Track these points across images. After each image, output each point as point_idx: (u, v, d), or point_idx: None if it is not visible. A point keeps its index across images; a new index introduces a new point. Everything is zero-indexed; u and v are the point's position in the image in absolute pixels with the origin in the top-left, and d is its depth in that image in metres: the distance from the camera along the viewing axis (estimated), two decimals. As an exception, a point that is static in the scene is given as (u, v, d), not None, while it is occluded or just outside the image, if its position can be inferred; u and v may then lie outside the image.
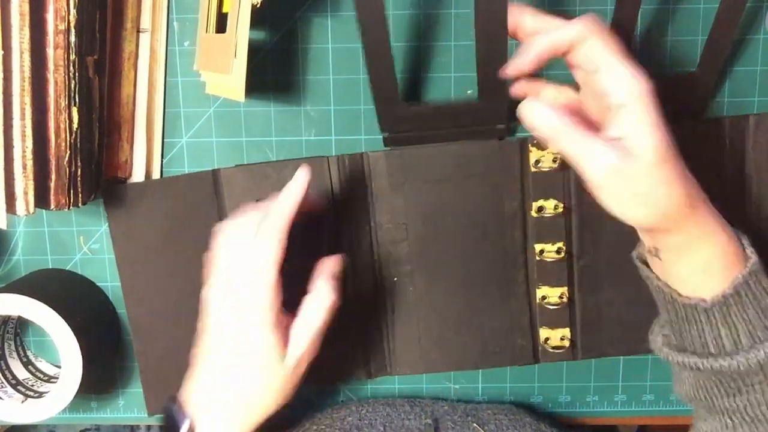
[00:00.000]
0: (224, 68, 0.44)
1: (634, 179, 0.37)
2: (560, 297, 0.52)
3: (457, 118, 0.48)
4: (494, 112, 0.47)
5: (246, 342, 0.42)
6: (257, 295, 0.41)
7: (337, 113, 0.51)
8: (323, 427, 0.47)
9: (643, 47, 0.50)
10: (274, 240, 0.41)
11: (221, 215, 0.51)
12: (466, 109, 0.48)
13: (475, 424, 0.49)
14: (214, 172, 0.51)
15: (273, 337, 0.41)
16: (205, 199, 0.51)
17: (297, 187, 0.44)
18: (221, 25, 0.46)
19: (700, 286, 0.39)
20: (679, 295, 0.39)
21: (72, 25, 0.42)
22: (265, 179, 0.51)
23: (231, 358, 0.42)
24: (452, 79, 0.50)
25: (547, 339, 0.52)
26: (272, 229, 0.42)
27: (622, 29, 0.45)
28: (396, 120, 0.48)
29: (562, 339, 0.52)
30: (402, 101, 0.47)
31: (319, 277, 0.45)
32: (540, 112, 0.39)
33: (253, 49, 0.49)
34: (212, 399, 0.43)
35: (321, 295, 0.44)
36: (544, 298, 0.52)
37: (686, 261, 0.39)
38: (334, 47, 0.50)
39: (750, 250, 0.39)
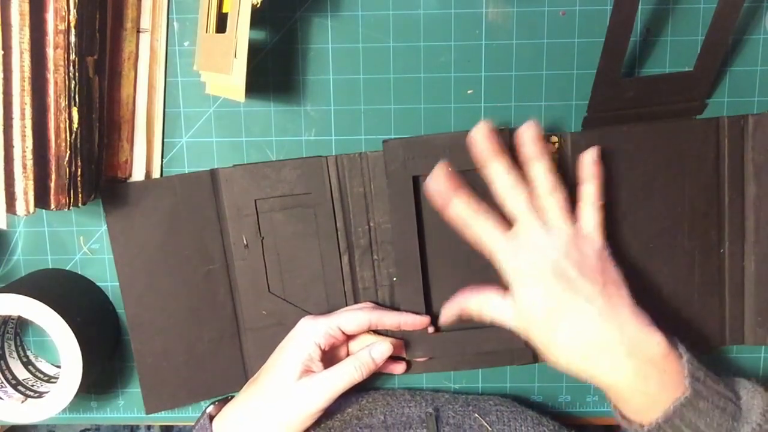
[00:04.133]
0: (224, 68, 0.44)
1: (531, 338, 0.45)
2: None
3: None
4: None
5: (279, 365, 0.47)
6: (311, 329, 0.48)
7: (337, 113, 0.51)
8: (322, 417, 0.47)
9: (641, 46, 0.50)
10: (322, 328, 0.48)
11: (219, 215, 0.51)
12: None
13: (476, 414, 0.49)
14: (213, 172, 0.51)
15: (297, 367, 0.47)
16: (203, 199, 0.51)
17: (407, 318, 0.50)
18: (221, 25, 0.46)
19: (641, 411, 0.43)
20: (622, 417, 0.45)
21: (72, 25, 0.42)
22: (263, 179, 0.51)
23: (260, 383, 0.48)
24: (452, 79, 0.50)
25: (546, 339, 0.52)
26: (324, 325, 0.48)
27: (620, 29, 0.45)
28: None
29: (561, 339, 0.53)
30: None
31: (367, 350, 0.48)
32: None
33: (253, 49, 0.49)
34: (235, 417, 0.47)
35: (355, 365, 0.47)
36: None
37: (619, 397, 0.44)
38: (334, 47, 0.50)
39: (688, 380, 0.42)
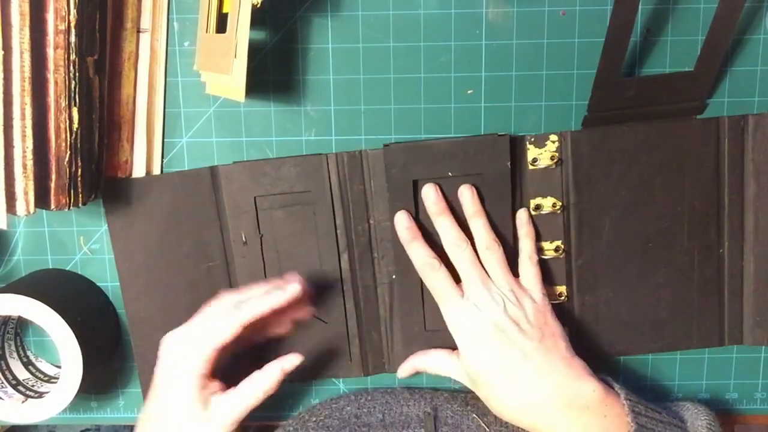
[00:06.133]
0: (224, 68, 0.44)
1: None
2: (558, 296, 0.52)
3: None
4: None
5: (173, 403, 0.44)
6: (188, 362, 0.44)
7: (337, 113, 0.51)
8: (322, 417, 0.47)
9: (641, 46, 0.50)
10: (227, 327, 0.45)
11: (219, 212, 0.51)
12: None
13: (474, 415, 0.49)
14: (213, 169, 0.51)
15: (196, 397, 0.44)
16: (203, 196, 0.51)
17: (276, 298, 0.46)
18: (221, 25, 0.46)
19: None
20: None
21: (72, 25, 0.42)
22: (263, 176, 0.51)
23: (161, 419, 0.45)
24: (452, 79, 0.50)
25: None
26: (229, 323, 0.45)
27: (620, 29, 0.45)
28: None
29: (561, 338, 0.53)
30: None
31: (273, 364, 0.46)
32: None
33: (253, 49, 0.49)
34: None
35: (263, 380, 0.45)
36: (543, 297, 0.52)
37: None
38: (334, 47, 0.50)
39: (629, 417, 0.42)
